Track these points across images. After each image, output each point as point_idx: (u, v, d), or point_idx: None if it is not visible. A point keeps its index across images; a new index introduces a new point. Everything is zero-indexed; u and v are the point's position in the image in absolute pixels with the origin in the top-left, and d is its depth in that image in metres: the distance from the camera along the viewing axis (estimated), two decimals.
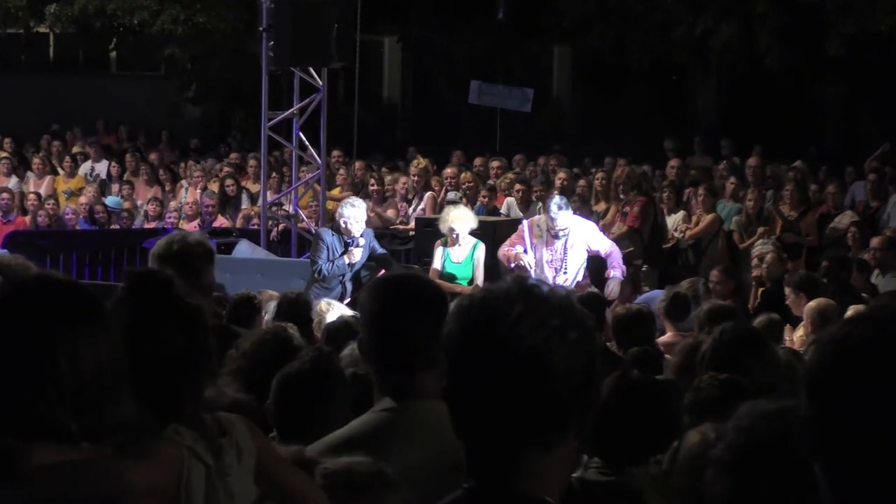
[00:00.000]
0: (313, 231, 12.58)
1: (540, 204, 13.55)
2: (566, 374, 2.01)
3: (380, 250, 11.21)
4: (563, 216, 10.54)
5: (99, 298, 2.58)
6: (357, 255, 10.78)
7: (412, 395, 3.15)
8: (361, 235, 10.86)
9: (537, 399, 2.00)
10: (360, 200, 11.50)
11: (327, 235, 10.91)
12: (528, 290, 2.04)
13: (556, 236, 10.56)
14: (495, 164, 15.18)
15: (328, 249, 10.79)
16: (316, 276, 10.76)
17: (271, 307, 8.71)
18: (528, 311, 2.01)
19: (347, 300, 10.08)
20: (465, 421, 2.05)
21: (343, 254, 10.78)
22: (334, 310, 7.99)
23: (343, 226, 10.80)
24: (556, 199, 10.78)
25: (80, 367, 2.41)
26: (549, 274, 10.52)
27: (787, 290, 9.56)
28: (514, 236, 10.91)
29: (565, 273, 10.57)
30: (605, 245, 10.81)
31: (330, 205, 13.85)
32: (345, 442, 3.15)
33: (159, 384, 2.74)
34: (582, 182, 14.33)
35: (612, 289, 10.59)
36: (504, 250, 10.81)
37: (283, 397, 3.83)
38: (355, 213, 10.79)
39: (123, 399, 2.48)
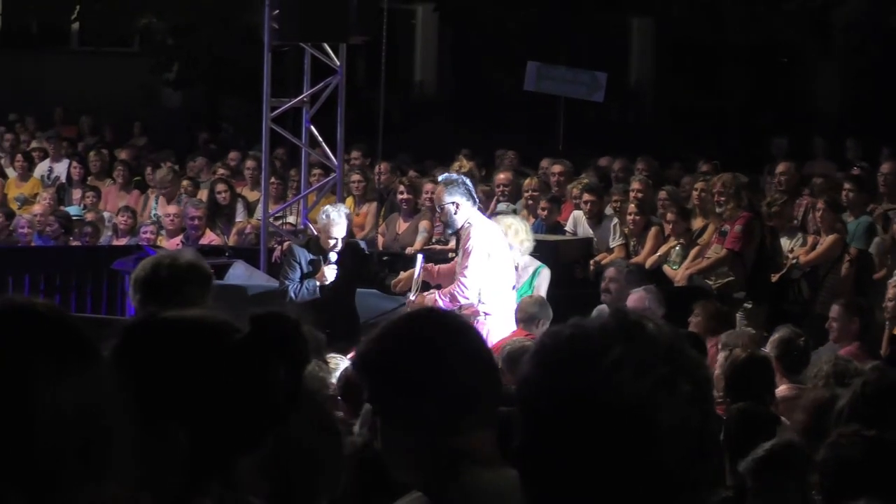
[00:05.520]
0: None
1: (615, 220, 13.58)
2: (675, 435, 2.01)
3: None
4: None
5: (90, 336, 2.24)
6: (330, 274, 10.98)
7: (460, 462, 2.91)
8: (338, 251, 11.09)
9: (638, 466, 2.01)
10: (343, 206, 11.72)
11: (302, 253, 11.15)
12: (630, 328, 2.07)
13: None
14: (557, 168, 15.07)
15: (301, 269, 11.06)
16: (282, 300, 10.85)
17: None
18: (629, 354, 2.03)
19: None
20: (544, 492, 2.06)
21: (310, 274, 11.00)
22: (343, 364, 7.83)
23: (324, 236, 11.07)
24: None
25: (55, 427, 2.05)
26: None
27: None
28: None
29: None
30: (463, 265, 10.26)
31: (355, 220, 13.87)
32: None
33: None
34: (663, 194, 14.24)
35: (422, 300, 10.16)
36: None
37: None
38: (335, 220, 11.01)
39: (105, 480, 2.15)
